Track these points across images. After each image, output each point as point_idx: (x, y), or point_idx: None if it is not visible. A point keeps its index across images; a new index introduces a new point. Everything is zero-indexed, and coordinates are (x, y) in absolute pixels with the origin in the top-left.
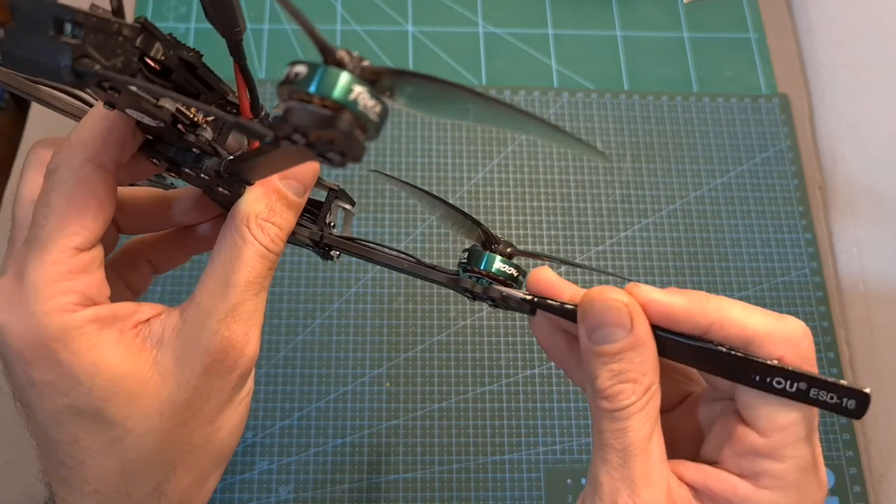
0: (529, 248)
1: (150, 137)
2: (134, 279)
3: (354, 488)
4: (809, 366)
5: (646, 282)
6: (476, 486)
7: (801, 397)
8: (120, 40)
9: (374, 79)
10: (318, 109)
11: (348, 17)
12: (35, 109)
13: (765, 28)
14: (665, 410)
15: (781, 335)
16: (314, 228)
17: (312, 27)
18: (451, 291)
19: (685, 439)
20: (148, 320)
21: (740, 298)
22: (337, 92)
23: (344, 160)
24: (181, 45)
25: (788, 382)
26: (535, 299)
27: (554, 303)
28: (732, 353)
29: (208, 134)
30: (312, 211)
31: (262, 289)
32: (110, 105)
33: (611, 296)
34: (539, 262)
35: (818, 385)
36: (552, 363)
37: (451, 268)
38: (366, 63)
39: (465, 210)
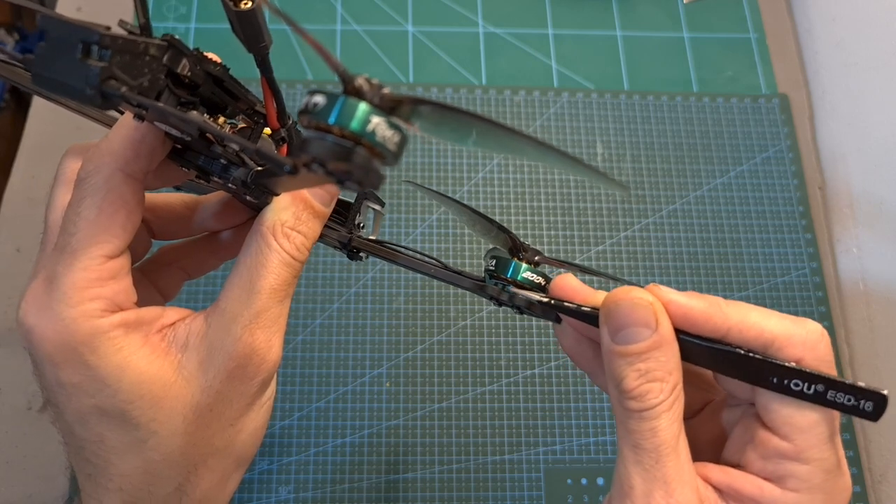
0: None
1: (179, 146)
2: (165, 284)
3: (354, 488)
4: (827, 368)
5: (646, 282)
6: (476, 486)
7: (819, 399)
8: (147, 59)
9: (393, 106)
10: (336, 140)
11: (348, 17)
12: (35, 109)
13: (765, 28)
14: (686, 418)
15: (799, 338)
16: (343, 230)
17: (330, 55)
18: (452, 291)
19: (707, 445)
20: (173, 324)
21: (740, 298)
22: (355, 123)
23: (362, 188)
24: (207, 59)
25: (806, 384)
26: (554, 302)
27: (572, 305)
28: (750, 355)
29: (236, 145)
30: (341, 212)
31: (287, 296)
32: (139, 118)
33: (636, 294)
34: (566, 269)
35: (835, 387)
36: (552, 363)
37: (472, 272)
38: (385, 91)
39: None
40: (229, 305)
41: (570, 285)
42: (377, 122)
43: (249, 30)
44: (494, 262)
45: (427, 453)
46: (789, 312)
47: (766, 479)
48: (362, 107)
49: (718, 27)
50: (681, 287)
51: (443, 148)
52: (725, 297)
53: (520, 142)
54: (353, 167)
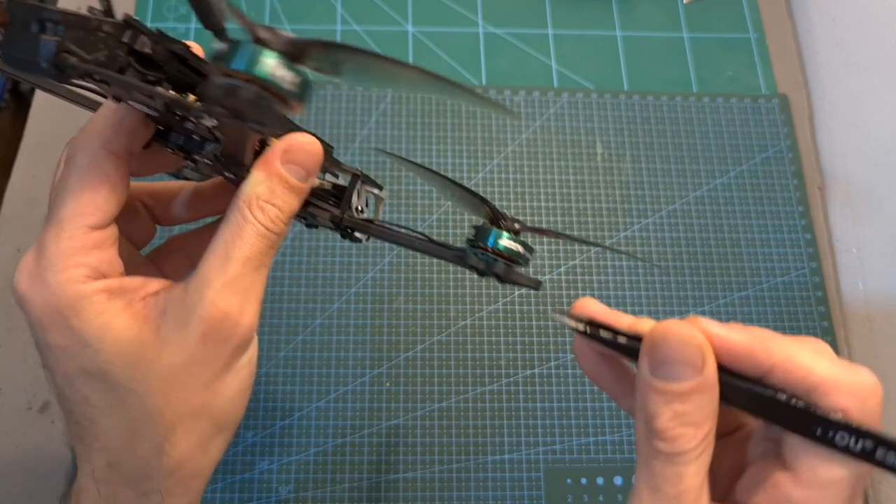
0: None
1: (161, 128)
2: (170, 270)
3: (354, 488)
4: (873, 422)
5: (647, 281)
6: (476, 485)
7: (866, 457)
8: (102, 36)
9: (298, 52)
10: (228, 81)
11: (348, 17)
12: (35, 109)
13: (764, 28)
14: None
15: (849, 386)
16: (335, 211)
17: (240, 11)
18: (452, 291)
19: (727, 472)
20: (156, 293)
21: (740, 298)
22: (247, 64)
23: (264, 129)
24: (170, 39)
25: (853, 439)
26: (590, 331)
27: (609, 336)
28: (793, 403)
29: (207, 121)
30: (339, 196)
31: (261, 265)
32: (116, 99)
33: (686, 331)
34: (548, 238)
35: (886, 444)
36: (552, 363)
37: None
38: (290, 37)
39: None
40: (205, 272)
41: (591, 309)
42: (271, 63)
43: (201, 7)
44: (475, 231)
45: (427, 453)
46: (789, 312)
47: None
48: (255, 49)
49: (718, 27)
50: (682, 286)
51: (443, 148)
52: (726, 297)
53: (426, 79)
54: (242, 103)
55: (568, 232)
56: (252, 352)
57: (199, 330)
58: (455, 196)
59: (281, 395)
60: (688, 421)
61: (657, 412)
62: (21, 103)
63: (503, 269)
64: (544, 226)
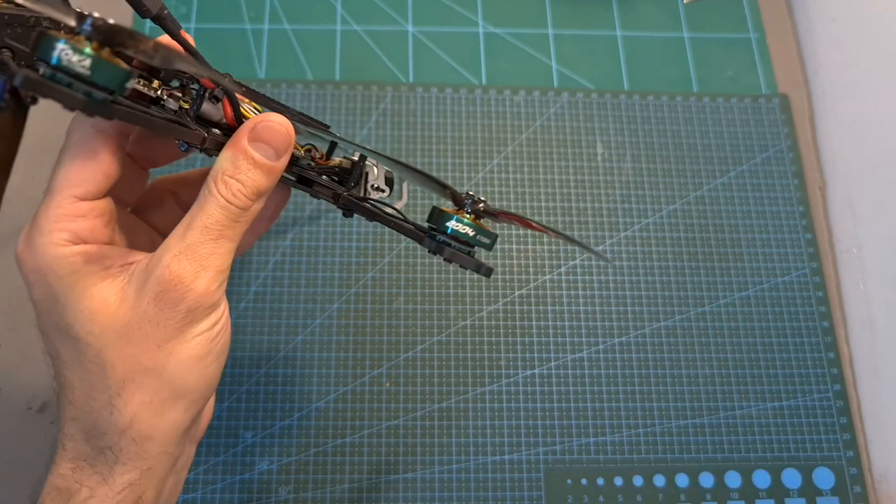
0: (530, 248)
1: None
2: (159, 219)
3: (354, 488)
4: None
5: (647, 282)
6: (476, 486)
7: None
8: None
9: (105, 38)
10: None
11: (348, 17)
12: (35, 109)
13: (765, 28)
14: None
15: None
16: (338, 189)
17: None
18: (452, 291)
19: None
20: (135, 262)
21: (740, 299)
22: (39, 51)
23: (61, 104)
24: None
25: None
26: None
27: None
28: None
29: (172, 104)
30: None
31: (221, 236)
32: None
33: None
34: (509, 221)
35: None
36: (552, 363)
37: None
38: (101, 23)
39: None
40: (168, 240)
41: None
42: (61, 48)
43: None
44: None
45: (427, 453)
46: (789, 312)
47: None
48: (51, 37)
49: (718, 27)
50: (682, 286)
51: (443, 148)
52: (726, 297)
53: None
54: (33, 83)
55: (568, 232)
56: (212, 321)
57: (153, 290)
58: (419, 181)
59: (280, 395)
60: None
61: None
62: (21, 103)
63: (449, 252)
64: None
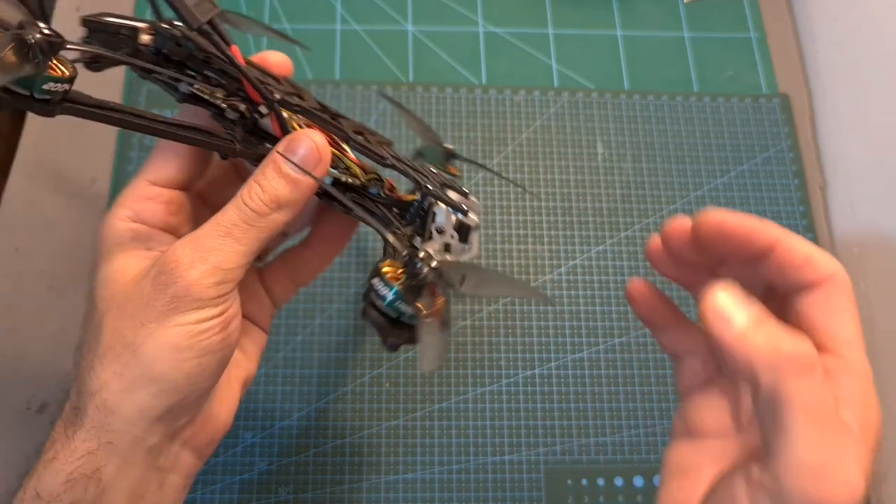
0: (530, 248)
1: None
2: (276, 291)
3: (354, 489)
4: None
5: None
6: (476, 486)
7: None
8: (121, 37)
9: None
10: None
11: (348, 17)
12: None
13: (765, 28)
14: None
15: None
16: (403, 231)
17: None
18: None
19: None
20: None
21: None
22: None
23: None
24: (191, 39)
25: None
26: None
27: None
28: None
29: (231, 115)
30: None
31: (228, 234)
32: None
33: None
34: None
35: None
36: (552, 363)
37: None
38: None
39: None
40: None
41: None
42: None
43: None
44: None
45: (427, 454)
46: None
47: None
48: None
49: (719, 27)
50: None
51: None
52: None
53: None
54: None
55: (568, 232)
56: (199, 317)
57: (154, 270)
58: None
59: (280, 395)
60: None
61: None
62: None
63: (373, 317)
64: (545, 227)
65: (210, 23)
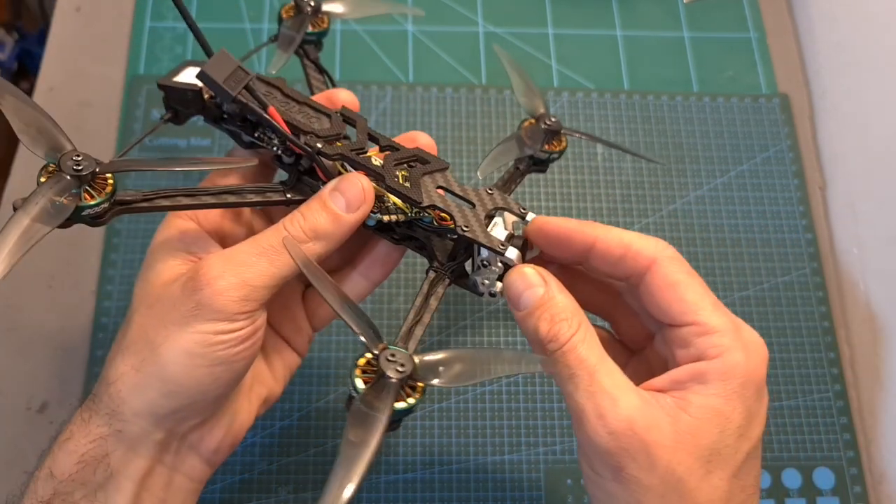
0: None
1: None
2: (319, 314)
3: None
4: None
5: None
6: (476, 486)
7: None
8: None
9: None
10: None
11: None
12: None
13: (765, 28)
14: (637, 350)
15: (651, 245)
16: (440, 263)
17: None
18: (451, 291)
19: (660, 371)
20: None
21: (740, 298)
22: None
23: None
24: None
25: None
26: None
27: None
28: None
29: (286, 159)
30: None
31: (262, 254)
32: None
33: (521, 268)
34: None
35: None
36: None
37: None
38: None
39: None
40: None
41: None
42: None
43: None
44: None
45: (427, 453)
46: (789, 312)
47: (693, 361)
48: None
49: (719, 27)
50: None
51: (443, 148)
52: (726, 297)
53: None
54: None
55: None
56: (217, 328)
57: (187, 276)
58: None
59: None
60: (559, 319)
61: (536, 327)
62: None
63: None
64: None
65: (247, 87)
